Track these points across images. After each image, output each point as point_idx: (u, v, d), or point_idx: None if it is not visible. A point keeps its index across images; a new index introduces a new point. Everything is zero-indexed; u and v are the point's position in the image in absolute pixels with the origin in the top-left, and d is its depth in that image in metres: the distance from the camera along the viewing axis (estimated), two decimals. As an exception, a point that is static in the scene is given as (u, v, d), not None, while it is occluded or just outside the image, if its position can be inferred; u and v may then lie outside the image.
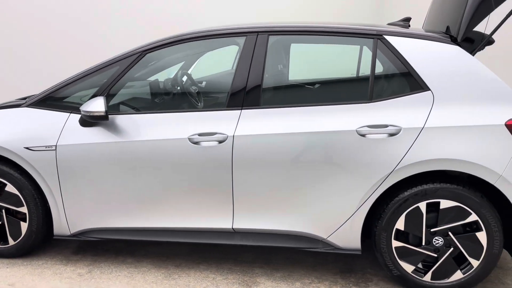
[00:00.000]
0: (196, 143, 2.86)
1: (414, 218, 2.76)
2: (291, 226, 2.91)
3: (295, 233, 2.93)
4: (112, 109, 3.08)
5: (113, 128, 2.99)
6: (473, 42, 2.98)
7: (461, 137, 2.64)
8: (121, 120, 3.00)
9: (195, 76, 3.68)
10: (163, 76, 3.50)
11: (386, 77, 2.88)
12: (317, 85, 3.22)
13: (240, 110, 2.88)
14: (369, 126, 2.71)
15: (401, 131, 2.68)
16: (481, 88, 2.69)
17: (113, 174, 2.99)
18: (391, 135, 2.69)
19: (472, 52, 2.81)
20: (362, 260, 3.27)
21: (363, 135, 2.71)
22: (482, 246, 2.73)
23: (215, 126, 2.88)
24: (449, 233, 2.74)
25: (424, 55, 2.76)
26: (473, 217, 2.69)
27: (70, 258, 3.36)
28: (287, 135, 2.79)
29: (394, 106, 2.74)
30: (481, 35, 3.04)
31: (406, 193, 2.74)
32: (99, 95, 2.97)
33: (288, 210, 2.88)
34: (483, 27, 2.93)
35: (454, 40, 2.81)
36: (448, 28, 2.94)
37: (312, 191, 2.82)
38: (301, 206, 2.86)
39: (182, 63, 3.60)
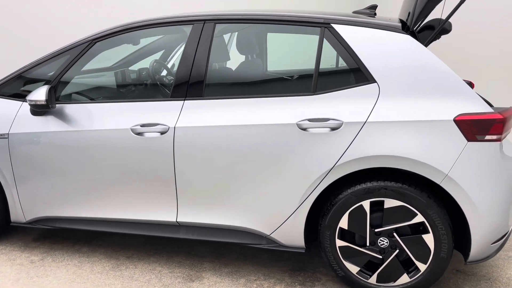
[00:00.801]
0: (139, 134, 2.82)
1: (357, 217, 2.62)
2: (234, 221, 2.83)
3: (239, 229, 2.84)
4: (65, 98, 3.08)
5: (61, 117, 2.98)
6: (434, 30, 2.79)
7: (406, 133, 2.47)
8: (70, 109, 2.99)
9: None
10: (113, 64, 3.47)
11: (332, 68, 2.73)
12: (262, 76, 3.10)
13: (183, 101, 2.81)
14: (309, 120, 2.58)
15: (343, 125, 2.54)
16: (431, 80, 2.51)
17: (61, 164, 2.99)
18: (333, 129, 2.55)
19: (426, 41, 2.62)
20: (317, 259, 3.15)
21: (304, 129, 2.58)
22: (429, 249, 2.56)
23: (157, 117, 2.82)
24: (394, 234, 2.59)
25: (371, 44, 2.60)
26: (419, 218, 2.53)
27: (28, 244, 3.40)
28: (228, 128, 2.70)
29: (338, 99, 2.60)
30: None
31: (349, 190, 2.61)
32: (48, 84, 2.97)
33: (231, 204, 2.79)
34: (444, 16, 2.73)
35: (408, 29, 2.63)
36: (409, 15, 2.76)
37: (254, 186, 2.72)
38: (243, 201, 2.77)
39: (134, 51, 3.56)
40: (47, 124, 2.98)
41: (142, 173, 2.87)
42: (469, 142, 2.42)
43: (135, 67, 3.53)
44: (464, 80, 3.66)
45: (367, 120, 2.51)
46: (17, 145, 3.05)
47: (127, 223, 3.02)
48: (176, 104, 2.81)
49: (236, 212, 2.81)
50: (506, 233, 2.62)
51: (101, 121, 2.91)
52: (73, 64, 3.03)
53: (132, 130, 2.82)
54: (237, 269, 3.03)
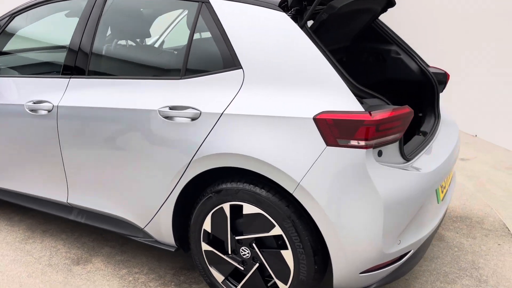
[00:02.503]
0: (32, 110, 2.78)
1: (219, 220, 2.31)
2: (113, 209, 2.69)
3: (118, 218, 2.70)
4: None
5: (-19, 90, 3.07)
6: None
7: (260, 130, 2.08)
8: (-10, 82, 3.06)
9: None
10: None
11: (204, 49, 2.40)
12: (141, 56, 2.84)
13: (69, 79, 2.71)
14: (170, 107, 2.31)
15: (201, 116, 2.23)
16: (299, 69, 2.07)
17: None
18: (193, 119, 2.26)
19: (302, 21, 2.14)
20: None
21: (167, 117, 2.32)
22: (289, 269, 2.17)
23: (46, 94, 2.76)
24: (254, 245, 2.24)
25: (243, 23, 2.22)
26: (277, 230, 2.15)
27: (-26, 210, 3.61)
28: (101, 110, 2.54)
29: (203, 85, 2.28)
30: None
31: (212, 189, 2.31)
32: None
33: (107, 192, 2.65)
34: None
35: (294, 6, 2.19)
36: None
37: (125, 174, 2.54)
38: (118, 190, 2.61)
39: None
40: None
41: (38, 150, 2.84)
42: (328, 147, 1.97)
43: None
44: (439, 69, 3.05)
45: (224, 112, 2.17)
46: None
47: (29, 198, 3.05)
48: (63, 81, 2.72)
49: (113, 201, 2.66)
50: (387, 263, 2.12)
51: (7, 95, 2.94)
52: (-4, 38, 3.09)
53: (26, 106, 2.80)
54: (129, 259, 2.90)
